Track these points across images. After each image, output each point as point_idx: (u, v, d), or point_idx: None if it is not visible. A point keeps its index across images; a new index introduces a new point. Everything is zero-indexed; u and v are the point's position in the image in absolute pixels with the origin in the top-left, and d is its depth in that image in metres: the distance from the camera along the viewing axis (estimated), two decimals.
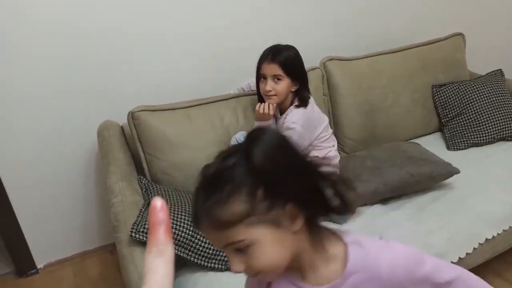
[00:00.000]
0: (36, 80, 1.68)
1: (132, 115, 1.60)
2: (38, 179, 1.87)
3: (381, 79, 2.03)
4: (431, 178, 1.63)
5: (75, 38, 1.68)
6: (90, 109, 1.82)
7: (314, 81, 1.89)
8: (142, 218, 1.30)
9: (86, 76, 1.76)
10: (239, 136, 1.64)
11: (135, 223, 1.27)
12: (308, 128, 1.59)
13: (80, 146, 1.89)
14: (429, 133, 2.21)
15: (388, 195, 1.65)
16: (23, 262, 2.03)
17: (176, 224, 1.32)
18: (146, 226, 1.27)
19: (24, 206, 1.90)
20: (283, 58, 1.54)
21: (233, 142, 1.64)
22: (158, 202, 0.32)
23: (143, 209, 1.38)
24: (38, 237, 2.00)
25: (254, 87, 1.81)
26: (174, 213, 1.36)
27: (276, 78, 1.55)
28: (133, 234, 1.23)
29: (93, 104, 1.82)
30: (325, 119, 1.68)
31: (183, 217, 1.36)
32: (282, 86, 1.56)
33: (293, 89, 1.61)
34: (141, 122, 1.60)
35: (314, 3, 2.08)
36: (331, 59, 1.98)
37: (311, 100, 1.64)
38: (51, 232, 2.02)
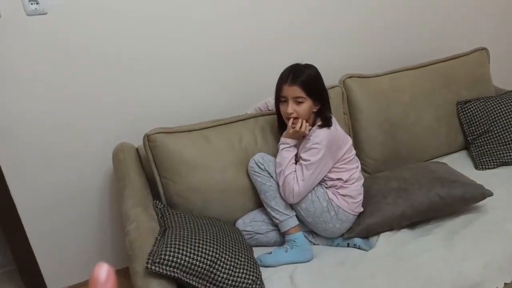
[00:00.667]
0: (52, 100, 1.66)
1: (148, 138, 1.55)
2: (52, 202, 1.83)
3: (403, 96, 1.96)
4: (463, 200, 1.54)
5: (93, 58, 1.66)
6: (106, 130, 1.78)
7: (334, 100, 1.83)
8: (158, 247, 1.24)
9: (103, 97, 1.73)
10: (258, 158, 1.58)
11: (151, 253, 1.21)
12: (332, 148, 1.52)
13: (96, 169, 1.85)
14: (454, 152, 2.11)
15: (416, 219, 1.56)
16: (35, 286, 1.98)
17: (193, 253, 1.25)
18: (164, 253, 1.20)
19: (37, 229, 1.86)
20: (304, 79, 1.49)
21: (252, 164, 1.58)
22: (101, 272, 0.26)
23: (159, 237, 1.31)
24: (51, 262, 1.95)
25: (271, 107, 1.76)
26: (190, 241, 1.29)
27: (298, 100, 1.49)
28: (149, 266, 1.16)
29: (109, 126, 1.78)
30: (349, 140, 1.61)
31: (200, 245, 1.29)
32: (304, 108, 1.50)
33: (314, 110, 1.55)
34: (157, 145, 1.55)
35: (333, 20, 2.03)
36: (350, 77, 1.92)
37: (334, 120, 1.57)
38: (64, 256, 1.97)
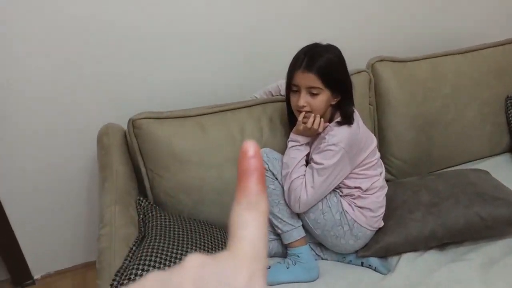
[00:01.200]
0: (35, 68, 1.42)
1: (133, 123, 1.31)
2: (34, 187, 1.64)
3: (444, 87, 1.64)
4: (508, 224, 1.26)
5: (83, 33, 1.41)
6: (93, 110, 1.55)
7: (359, 88, 1.53)
8: (129, 263, 1.02)
9: (92, 74, 1.49)
10: (262, 155, 1.32)
11: (119, 271, 0.99)
12: (352, 151, 1.25)
13: (81, 151, 1.63)
14: (497, 154, 1.80)
15: (447, 241, 1.29)
16: (18, 271, 1.85)
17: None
18: (134, 272, 0.99)
19: (19, 214, 1.68)
20: (323, 65, 1.19)
21: None
22: (250, 147, 0.25)
23: (133, 248, 1.10)
24: (34, 247, 1.79)
25: (284, 92, 1.48)
26: (170, 255, 1.07)
27: (312, 91, 1.21)
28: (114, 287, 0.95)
29: (97, 105, 1.55)
30: (373, 140, 1.33)
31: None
32: (319, 100, 1.22)
33: (333, 102, 1.26)
34: (143, 132, 1.31)
35: None
36: (381, 60, 1.61)
37: (356, 115, 1.29)
38: (49, 242, 1.80)
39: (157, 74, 1.56)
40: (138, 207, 1.30)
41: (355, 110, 1.31)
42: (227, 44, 1.60)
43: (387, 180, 1.64)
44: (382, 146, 1.65)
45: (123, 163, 1.40)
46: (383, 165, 1.39)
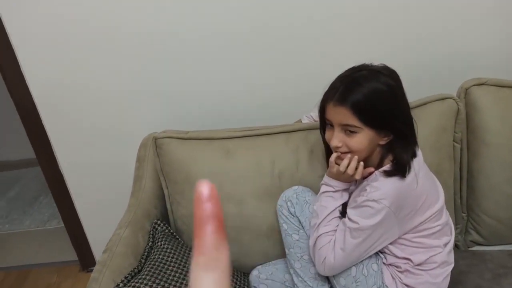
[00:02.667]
0: (107, 76, 1.45)
1: (155, 142, 1.21)
2: (102, 181, 1.70)
3: None
4: None
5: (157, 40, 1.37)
6: (152, 117, 1.50)
7: (440, 119, 1.16)
8: None
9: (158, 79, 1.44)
10: (291, 195, 1.09)
11: None
12: (402, 211, 0.93)
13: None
14: None
15: None
16: (84, 257, 1.98)
17: None
18: None
19: (86, 205, 1.77)
20: (360, 99, 0.89)
21: (280, 202, 1.10)
22: (204, 188, 0.22)
23: (120, 285, 1.00)
24: (99, 236, 1.88)
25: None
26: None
27: (348, 129, 0.93)
28: None
29: (156, 112, 1.50)
30: (439, 199, 0.98)
31: None
32: (357, 141, 0.92)
33: (381, 142, 0.95)
34: (164, 152, 1.20)
35: None
36: (481, 84, 1.19)
37: (418, 162, 0.95)
38: (111, 232, 1.89)
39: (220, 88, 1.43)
40: (153, 231, 1.20)
41: (419, 155, 0.98)
42: (280, 59, 1.37)
43: (469, 247, 1.25)
44: (471, 198, 1.24)
45: (154, 179, 1.32)
46: (452, 231, 1.03)
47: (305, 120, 1.28)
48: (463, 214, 1.28)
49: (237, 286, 1.13)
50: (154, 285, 0.99)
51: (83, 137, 1.59)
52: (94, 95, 1.48)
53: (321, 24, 1.33)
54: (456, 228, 1.27)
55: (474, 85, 1.19)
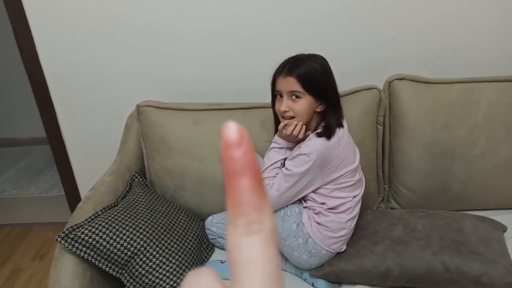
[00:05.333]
0: (107, 55, 1.74)
1: (138, 109, 1.52)
2: (95, 144, 1.93)
3: (473, 116, 1.42)
4: (476, 283, 1.06)
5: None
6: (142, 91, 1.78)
7: (366, 105, 1.45)
8: (84, 223, 1.22)
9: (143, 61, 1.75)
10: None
11: (72, 227, 1.20)
12: (325, 166, 1.21)
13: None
14: None
15: (405, 284, 1.16)
16: None
17: (115, 239, 1.20)
18: (81, 231, 1.17)
19: (85, 174, 2.03)
20: (303, 71, 1.20)
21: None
22: (232, 131, 0.19)
23: (98, 212, 1.29)
24: None
25: None
26: (120, 226, 1.24)
27: (294, 95, 1.22)
28: (59, 239, 1.16)
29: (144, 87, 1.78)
30: (355, 161, 1.27)
31: (129, 233, 1.22)
32: (301, 105, 1.22)
33: (317, 110, 1.25)
34: (144, 117, 1.51)
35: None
36: (402, 78, 1.48)
37: (343, 131, 1.25)
38: None
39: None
40: (130, 181, 1.50)
41: (345, 125, 1.27)
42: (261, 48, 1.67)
43: (391, 208, 1.53)
44: (391, 172, 1.52)
45: (136, 142, 1.62)
46: (362, 188, 1.31)
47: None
48: (385, 186, 1.56)
49: (194, 228, 1.42)
50: (125, 215, 1.29)
51: (85, 112, 1.88)
52: (97, 74, 1.78)
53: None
54: (378, 197, 1.55)
55: (396, 79, 1.48)
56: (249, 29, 1.64)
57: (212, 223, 1.45)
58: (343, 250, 1.27)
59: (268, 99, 1.53)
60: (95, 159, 1.96)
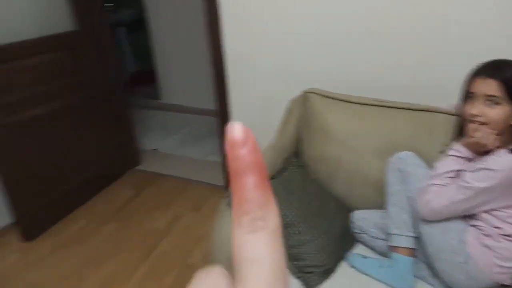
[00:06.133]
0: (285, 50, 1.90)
1: (304, 95, 1.60)
2: (260, 120, 2.07)
3: None
4: None
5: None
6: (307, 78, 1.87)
7: None
8: None
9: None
10: (402, 155, 1.33)
11: None
12: (511, 188, 1.09)
13: None
14: None
15: None
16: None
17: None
18: None
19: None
20: (510, 76, 1.10)
21: (393, 160, 1.34)
22: (237, 131, 0.19)
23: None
24: None
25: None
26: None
27: (491, 100, 1.12)
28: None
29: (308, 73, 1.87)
30: None
31: (281, 206, 1.32)
32: (497, 112, 1.11)
33: None
34: (309, 104, 1.58)
35: None
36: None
37: None
38: None
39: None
40: (288, 159, 1.60)
41: None
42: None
43: None
44: None
45: (295, 125, 1.71)
46: None
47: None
48: None
49: (341, 217, 1.44)
50: (281, 189, 1.39)
51: (253, 97, 2.04)
52: (271, 65, 1.91)
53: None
54: None
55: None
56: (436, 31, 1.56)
57: (358, 218, 1.45)
58: (506, 283, 1.13)
59: (441, 103, 1.44)
60: (254, 134, 2.14)
